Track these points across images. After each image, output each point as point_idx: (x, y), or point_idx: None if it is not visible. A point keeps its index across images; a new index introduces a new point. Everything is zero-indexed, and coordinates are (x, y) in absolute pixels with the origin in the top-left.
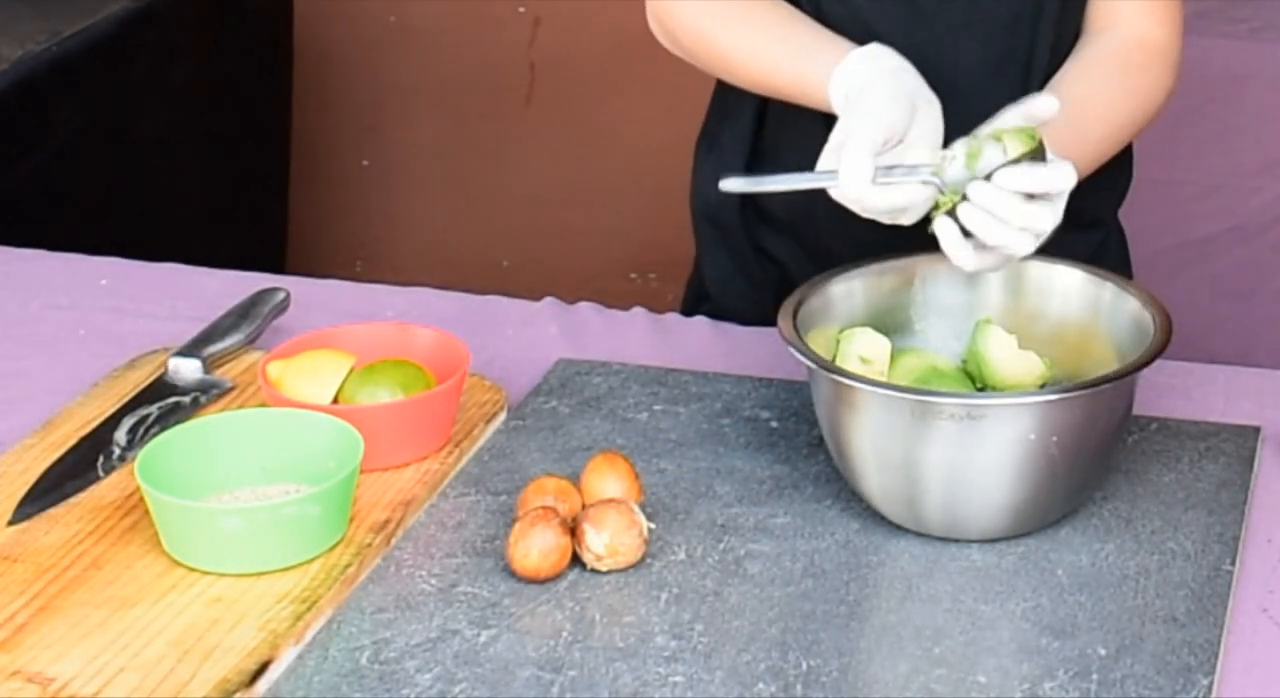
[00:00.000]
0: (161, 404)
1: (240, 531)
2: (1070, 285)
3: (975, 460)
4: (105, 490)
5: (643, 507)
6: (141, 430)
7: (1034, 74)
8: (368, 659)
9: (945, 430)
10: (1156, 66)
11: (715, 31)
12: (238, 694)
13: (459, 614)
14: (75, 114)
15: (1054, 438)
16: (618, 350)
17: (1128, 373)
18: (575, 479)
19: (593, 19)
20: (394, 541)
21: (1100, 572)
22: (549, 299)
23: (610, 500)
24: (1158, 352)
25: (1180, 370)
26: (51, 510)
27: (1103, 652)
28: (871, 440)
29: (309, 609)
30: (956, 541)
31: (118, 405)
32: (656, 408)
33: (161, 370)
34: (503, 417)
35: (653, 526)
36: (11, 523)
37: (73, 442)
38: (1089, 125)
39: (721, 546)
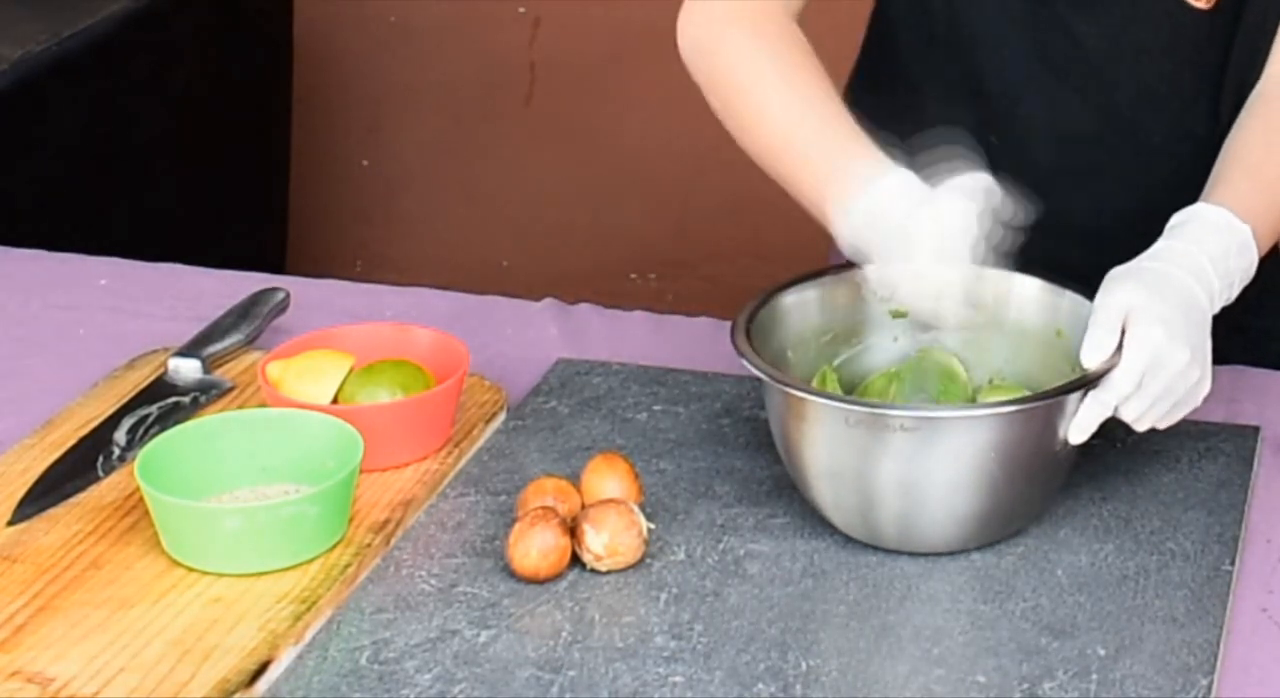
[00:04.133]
0: (161, 404)
1: (240, 530)
2: (1028, 294)
3: (925, 473)
4: (105, 491)
5: (642, 507)
6: (141, 430)
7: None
8: (367, 659)
9: (894, 443)
10: None
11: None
12: (237, 695)
13: (458, 614)
14: (75, 114)
15: (992, 453)
16: (618, 351)
17: (1074, 389)
18: (575, 479)
19: (593, 19)
20: (393, 541)
21: (1100, 572)
22: (549, 299)
23: (610, 501)
24: (1108, 368)
25: None
26: (51, 511)
27: (1102, 652)
28: (824, 453)
29: (308, 609)
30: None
31: (117, 406)
32: (656, 408)
33: (161, 370)
34: (502, 417)
35: (652, 526)
36: (11, 523)
37: (72, 442)
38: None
39: (721, 546)
